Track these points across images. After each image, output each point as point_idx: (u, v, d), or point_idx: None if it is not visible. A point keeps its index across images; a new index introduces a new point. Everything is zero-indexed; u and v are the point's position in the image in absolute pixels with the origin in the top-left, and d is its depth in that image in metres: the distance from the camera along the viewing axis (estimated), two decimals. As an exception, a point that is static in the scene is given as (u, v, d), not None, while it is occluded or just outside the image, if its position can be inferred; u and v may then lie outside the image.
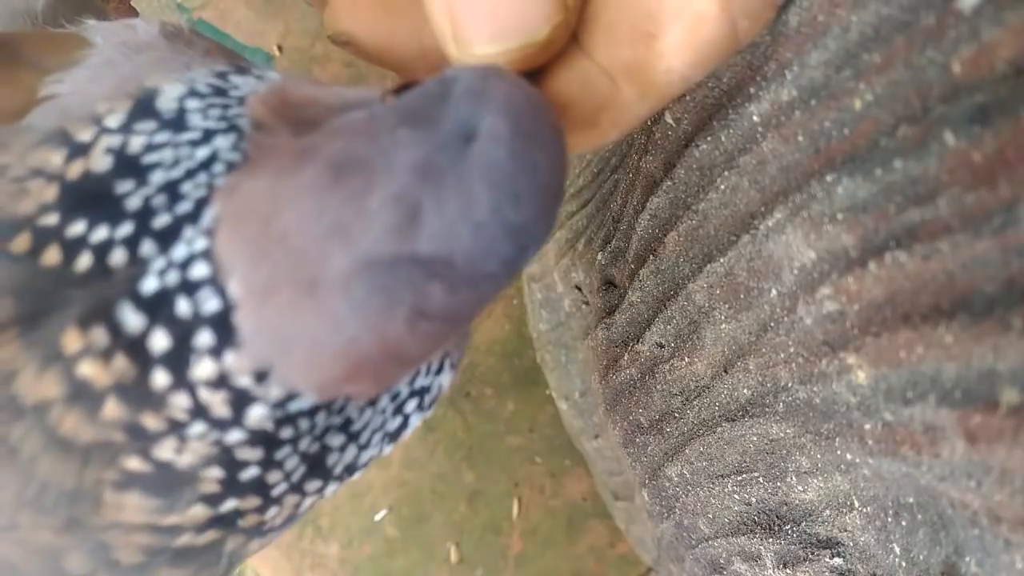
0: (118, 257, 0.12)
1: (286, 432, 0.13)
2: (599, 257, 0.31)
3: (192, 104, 0.13)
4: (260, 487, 0.13)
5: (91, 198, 0.12)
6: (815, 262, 0.19)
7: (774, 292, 0.20)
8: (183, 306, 0.12)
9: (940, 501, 0.17)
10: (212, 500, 0.13)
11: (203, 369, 0.12)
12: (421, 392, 0.16)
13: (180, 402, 0.12)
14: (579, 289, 0.35)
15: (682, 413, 0.26)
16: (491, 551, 0.44)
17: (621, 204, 0.28)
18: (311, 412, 0.13)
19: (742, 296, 0.22)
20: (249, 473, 0.13)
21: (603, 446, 0.37)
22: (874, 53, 0.17)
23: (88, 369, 0.12)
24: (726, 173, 0.21)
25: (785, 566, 0.23)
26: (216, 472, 0.13)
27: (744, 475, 0.24)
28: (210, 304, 0.12)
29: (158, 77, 0.14)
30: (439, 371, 0.16)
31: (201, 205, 0.12)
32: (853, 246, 0.18)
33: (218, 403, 0.12)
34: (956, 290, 0.15)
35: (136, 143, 0.13)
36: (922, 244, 0.16)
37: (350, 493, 0.43)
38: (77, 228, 0.12)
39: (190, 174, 0.12)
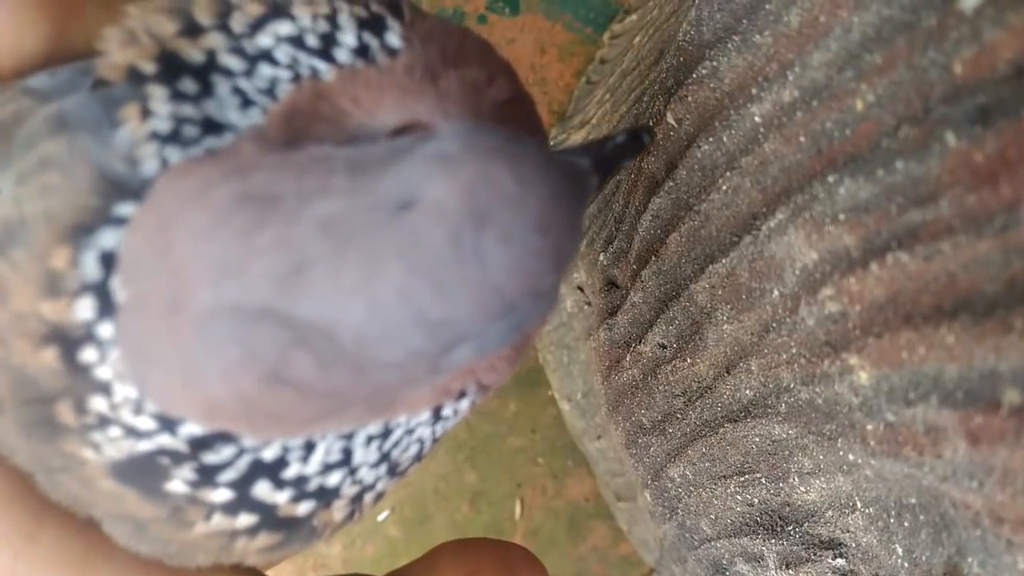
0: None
1: (209, 457, 0.12)
2: (601, 258, 0.31)
3: (282, 51, 0.12)
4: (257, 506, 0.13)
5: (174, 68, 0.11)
6: (817, 263, 0.19)
7: (776, 293, 0.20)
8: (82, 311, 0.11)
9: (942, 502, 0.17)
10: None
11: (103, 370, 0.11)
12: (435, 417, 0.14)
13: (98, 403, 0.11)
14: (581, 290, 0.35)
15: (684, 414, 0.26)
16: (493, 552, 0.44)
17: (623, 205, 0.28)
18: (217, 440, 0.12)
19: (744, 297, 0.22)
20: (221, 495, 0.12)
21: (605, 447, 0.37)
22: (876, 54, 0.17)
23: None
24: (728, 174, 0.21)
25: (788, 567, 0.23)
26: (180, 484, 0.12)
27: (746, 476, 0.24)
28: (84, 312, 0.11)
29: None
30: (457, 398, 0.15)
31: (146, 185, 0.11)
32: (855, 247, 0.18)
33: (118, 395, 0.11)
34: (958, 291, 0.15)
35: (231, 63, 0.12)
36: (924, 245, 0.16)
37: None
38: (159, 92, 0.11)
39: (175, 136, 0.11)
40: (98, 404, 0.11)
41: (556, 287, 0.11)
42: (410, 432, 0.14)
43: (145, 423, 0.11)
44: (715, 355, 0.24)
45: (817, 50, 0.18)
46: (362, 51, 0.12)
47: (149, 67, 0.12)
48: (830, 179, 0.18)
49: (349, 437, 0.13)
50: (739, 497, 0.25)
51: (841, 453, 0.20)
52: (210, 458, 0.12)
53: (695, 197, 0.23)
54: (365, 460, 0.14)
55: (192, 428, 0.12)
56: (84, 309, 0.11)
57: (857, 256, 0.18)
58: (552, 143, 0.40)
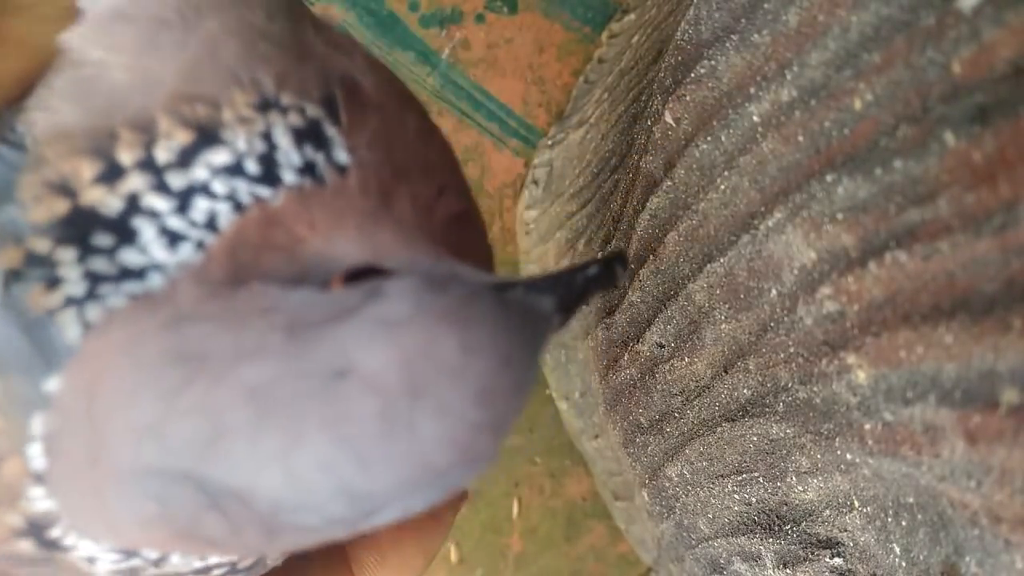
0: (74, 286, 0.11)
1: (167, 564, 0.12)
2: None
3: (220, 182, 0.11)
4: None
5: (84, 228, 0.11)
6: (815, 262, 0.19)
7: (774, 292, 0.20)
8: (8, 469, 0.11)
9: (940, 501, 0.17)
10: None
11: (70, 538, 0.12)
12: None
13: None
14: (579, 289, 0.35)
15: (682, 413, 0.26)
16: (491, 551, 0.44)
17: (621, 204, 0.28)
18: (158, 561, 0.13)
19: (742, 296, 0.22)
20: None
21: (603, 446, 0.37)
22: (874, 53, 0.17)
23: None
24: (726, 173, 0.21)
25: (785, 566, 0.23)
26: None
27: (744, 475, 0.24)
28: (36, 460, 0.11)
29: (241, 100, 0.12)
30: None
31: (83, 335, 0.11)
32: (853, 246, 0.18)
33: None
34: (956, 290, 0.15)
35: (156, 203, 0.11)
36: (922, 244, 0.16)
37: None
38: (65, 254, 0.11)
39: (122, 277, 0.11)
40: (79, 561, 0.12)
41: (495, 453, 0.11)
42: None
43: (111, 556, 0.12)
44: (713, 354, 0.24)
45: (815, 49, 0.18)
46: (308, 169, 0.12)
47: (44, 244, 0.11)
48: (828, 178, 0.18)
49: None
50: (737, 496, 0.25)
51: (839, 452, 0.20)
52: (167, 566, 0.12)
53: (693, 196, 0.23)
54: None
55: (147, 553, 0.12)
56: (40, 500, 0.12)
57: (855, 255, 0.18)
58: (550, 142, 0.40)
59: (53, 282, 0.11)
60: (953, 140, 0.15)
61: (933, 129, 0.16)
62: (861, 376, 0.18)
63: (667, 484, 0.28)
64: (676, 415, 0.26)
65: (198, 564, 0.12)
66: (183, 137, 0.11)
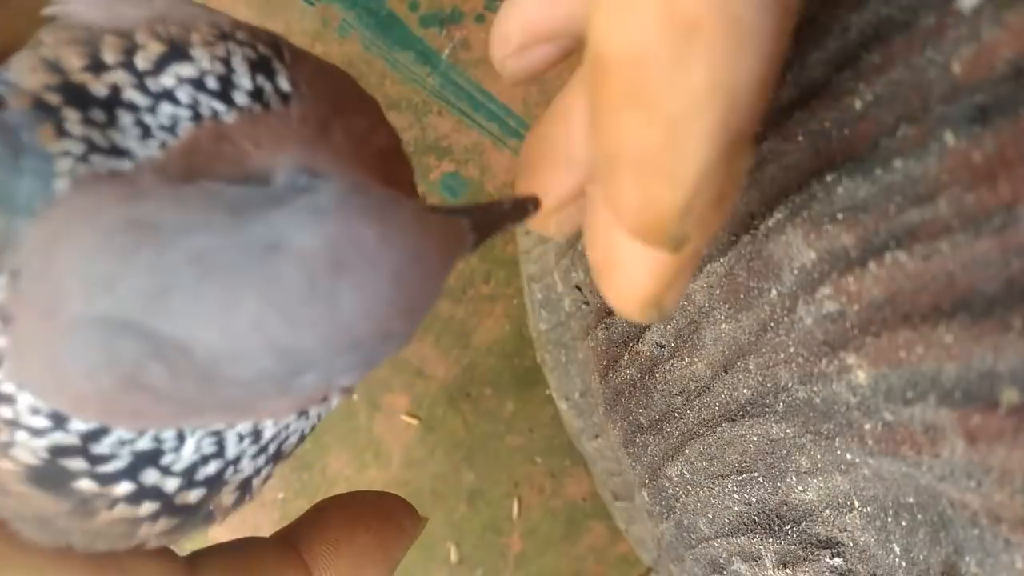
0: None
1: (97, 448, 0.13)
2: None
3: (184, 91, 0.13)
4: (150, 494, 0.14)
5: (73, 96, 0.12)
6: (815, 262, 0.19)
7: (774, 292, 0.20)
8: None
9: (940, 501, 0.17)
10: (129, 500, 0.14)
11: (7, 385, 0.12)
12: (277, 438, 0.16)
13: None
14: (579, 289, 0.35)
15: (682, 413, 0.26)
16: (491, 551, 0.44)
17: (621, 204, 0.28)
18: (102, 432, 0.13)
19: (742, 296, 0.22)
20: (123, 488, 0.13)
21: (603, 446, 0.37)
22: (874, 53, 0.17)
23: None
24: (726, 173, 0.21)
25: (785, 566, 0.23)
26: (87, 482, 0.13)
27: (744, 475, 0.24)
28: None
29: (195, 23, 0.14)
30: (302, 415, 0.16)
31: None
32: (853, 246, 0.18)
33: (22, 404, 0.12)
34: (956, 290, 0.15)
35: (135, 98, 0.13)
36: (922, 244, 0.16)
37: (350, 493, 0.43)
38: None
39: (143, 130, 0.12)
40: (5, 413, 0.13)
41: (407, 333, 0.12)
42: (285, 428, 0.15)
43: (41, 422, 0.13)
44: (713, 354, 0.24)
45: (815, 49, 0.18)
46: (257, 94, 0.14)
47: (55, 97, 0.12)
48: (828, 178, 0.18)
49: (218, 433, 0.14)
50: (737, 496, 0.25)
51: (839, 452, 0.20)
52: (97, 449, 0.13)
53: (693, 196, 0.23)
54: (241, 452, 0.15)
55: (78, 423, 0.13)
56: None
57: (855, 255, 0.18)
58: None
59: (61, 131, 0.12)
60: (953, 140, 0.15)
61: (933, 129, 0.16)
62: (861, 376, 0.18)
63: (667, 484, 0.28)
64: (676, 415, 0.26)
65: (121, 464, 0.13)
66: (157, 48, 0.13)
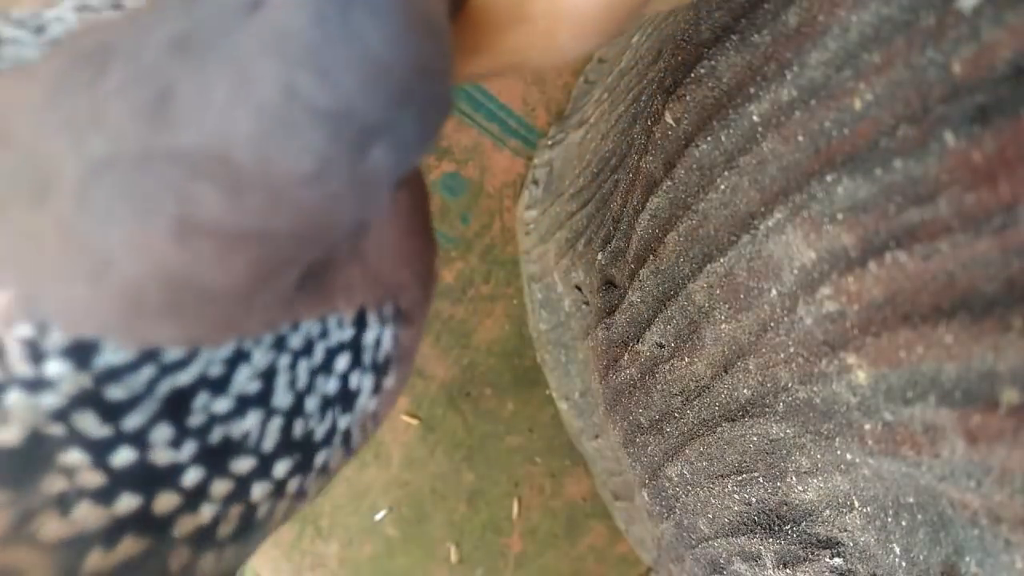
0: None
1: (114, 392, 0.10)
2: (599, 257, 0.31)
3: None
4: (149, 475, 0.11)
5: None
6: (815, 262, 0.19)
7: (774, 292, 0.20)
8: None
9: (940, 501, 0.17)
10: (100, 495, 0.10)
11: None
12: (354, 347, 0.13)
13: None
14: (579, 289, 0.35)
15: (682, 413, 0.26)
16: (491, 551, 0.44)
17: (621, 204, 0.28)
18: (135, 367, 0.10)
19: (742, 296, 0.22)
20: (122, 457, 0.10)
21: (603, 446, 0.37)
22: (874, 53, 0.17)
23: None
24: (726, 173, 0.21)
25: (785, 566, 0.23)
26: (75, 455, 0.10)
27: (744, 475, 0.24)
28: None
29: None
30: (381, 321, 0.13)
31: None
32: (853, 246, 0.18)
33: (17, 359, 0.10)
34: (956, 290, 0.15)
35: None
36: (922, 244, 0.16)
37: (350, 493, 0.43)
38: None
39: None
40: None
41: (446, 69, 0.10)
42: (330, 357, 0.13)
43: (54, 368, 0.10)
44: (713, 354, 0.24)
45: (815, 49, 0.18)
46: None
47: None
48: (828, 178, 0.18)
49: (270, 372, 0.12)
50: (737, 496, 0.25)
51: (839, 452, 0.20)
52: (116, 393, 0.10)
53: (693, 196, 0.23)
54: (282, 404, 0.12)
55: (110, 356, 0.10)
56: None
57: (855, 255, 0.18)
58: (551, 142, 0.40)
59: None
60: (953, 140, 0.15)
61: (933, 129, 0.16)
62: (861, 376, 0.18)
63: (667, 484, 0.28)
64: (676, 415, 0.26)
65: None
66: None
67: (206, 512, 0.11)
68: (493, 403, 0.44)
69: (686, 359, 0.25)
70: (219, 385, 0.11)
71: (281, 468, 0.12)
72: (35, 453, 0.10)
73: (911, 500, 0.18)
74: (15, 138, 0.09)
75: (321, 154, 0.09)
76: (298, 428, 0.12)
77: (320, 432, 0.13)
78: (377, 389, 0.14)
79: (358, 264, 0.13)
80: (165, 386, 0.11)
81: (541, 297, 0.40)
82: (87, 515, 0.10)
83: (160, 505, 0.11)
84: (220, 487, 0.11)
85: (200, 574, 0.12)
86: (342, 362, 0.13)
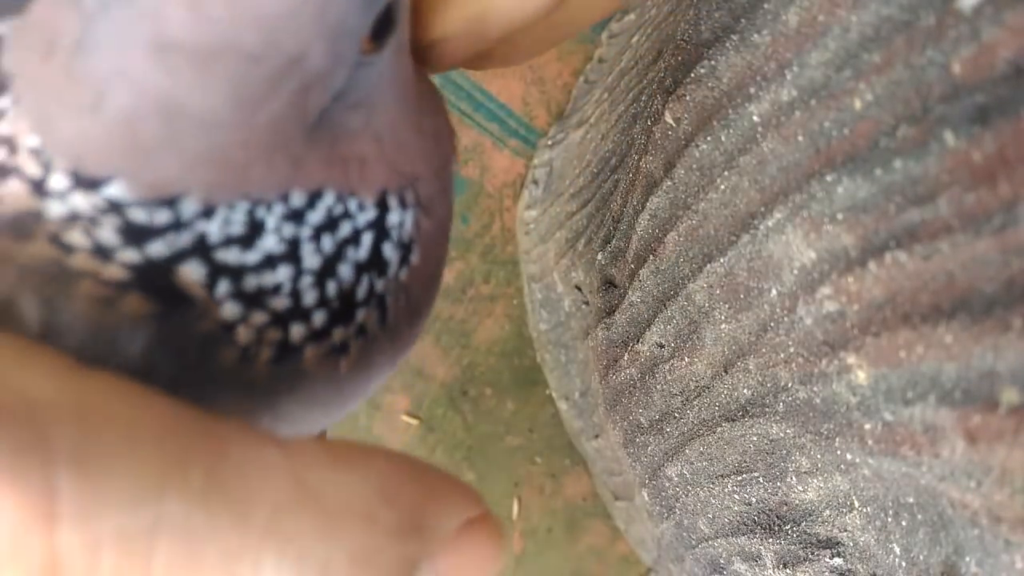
0: None
1: (137, 214, 0.11)
2: (599, 257, 0.31)
3: None
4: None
5: None
6: (815, 262, 0.19)
7: (774, 292, 0.20)
8: None
9: (940, 501, 0.17)
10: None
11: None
12: (379, 226, 0.13)
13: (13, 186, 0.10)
14: (579, 289, 0.35)
15: (682, 413, 0.26)
16: (491, 551, 0.44)
17: (621, 204, 0.28)
18: (149, 205, 0.11)
19: (742, 296, 0.22)
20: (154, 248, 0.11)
21: (603, 446, 0.37)
22: (874, 53, 0.17)
23: None
24: (726, 173, 0.21)
25: (785, 566, 0.23)
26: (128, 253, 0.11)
27: (744, 475, 0.24)
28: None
29: None
30: (403, 206, 0.14)
31: None
32: (853, 246, 0.18)
33: (28, 165, 0.10)
34: (956, 290, 0.15)
35: None
36: (922, 244, 0.16)
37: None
38: None
39: None
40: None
41: None
42: (356, 232, 0.13)
43: (58, 181, 0.10)
44: (713, 354, 0.24)
45: (815, 49, 0.18)
46: None
47: None
48: (828, 178, 0.18)
49: (294, 239, 0.12)
50: (737, 496, 0.25)
51: (839, 452, 0.20)
52: (137, 215, 0.11)
53: (693, 196, 0.23)
54: (311, 264, 0.12)
55: (116, 191, 0.10)
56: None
57: (855, 255, 0.18)
58: (551, 142, 0.40)
59: None
60: (953, 140, 0.15)
61: (933, 129, 0.16)
62: (861, 376, 0.18)
63: (667, 484, 0.28)
64: (676, 415, 0.26)
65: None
66: None
67: (242, 334, 0.12)
68: (493, 403, 0.44)
69: (686, 359, 0.25)
70: (244, 241, 0.12)
71: (319, 318, 0.13)
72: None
73: (911, 500, 0.18)
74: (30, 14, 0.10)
75: (253, 53, 0.10)
76: (331, 288, 0.13)
77: (360, 293, 0.13)
78: (405, 262, 0.14)
79: (372, 143, 0.13)
80: (187, 233, 0.11)
81: (541, 297, 0.40)
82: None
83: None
84: (257, 317, 0.12)
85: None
86: (368, 236, 0.13)
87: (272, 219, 0.12)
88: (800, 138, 0.19)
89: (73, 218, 0.10)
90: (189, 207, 0.11)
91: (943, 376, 0.16)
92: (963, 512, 0.17)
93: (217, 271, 0.11)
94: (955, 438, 0.16)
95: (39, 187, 0.10)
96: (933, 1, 0.15)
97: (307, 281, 0.12)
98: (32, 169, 0.10)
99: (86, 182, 0.10)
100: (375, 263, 0.13)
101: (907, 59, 0.16)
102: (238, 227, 0.11)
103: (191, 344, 0.11)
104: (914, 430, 0.17)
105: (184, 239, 0.11)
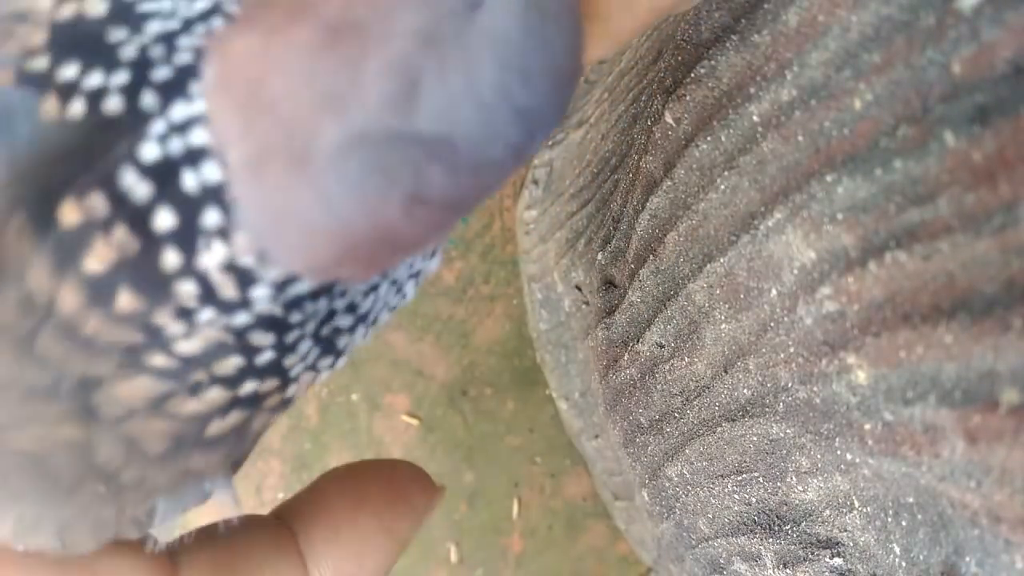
0: (114, 104, 0.11)
1: (295, 316, 0.12)
2: (599, 257, 0.31)
3: None
4: (277, 370, 0.13)
5: (83, 43, 0.11)
6: (815, 262, 0.19)
7: (774, 292, 0.20)
8: (189, 180, 0.11)
9: (940, 501, 0.17)
10: (230, 383, 0.12)
11: (214, 251, 0.11)
12: (417, 275, 0.15)
13: (189, 288, 0.11)
14: (579, 289, 0.35)
15: (682, 413, 0.26)
16: (491, 551, 0.44)
17: (621, 204, 0.28)
18: (314, 296, 0.12)
19: (742, 296, 0.22)
20: (265, 357, 0.12)
21: (603, 446, 0.37)
22: (874, 53, 0.17)
23: (93, 261, 0.11)
24: (726, 173, 0.21)
25: (785, 566, 0.23)
26: (233, 359, 0.12)
27: (744, 475, 0.24)
28: (212, 177, 0.11)
29: None
30: (432, 255, 0.16)
31: (199, 60, 0.11)
32: (853, 246, 0.18)
33: (226, 285, 0.11)
34: (956, 290, 0.15)
35: None
36: (922, 244, 0.16)
37: (350, 493, 0.43)
38: (69, 71, 0.11)
39: (188, 26, 0.11)
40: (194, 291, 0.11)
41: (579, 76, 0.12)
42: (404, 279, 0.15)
43: (259, 292, 0.12)
44: (713, 354, 0.24)
45: (815, 49, 0.18)
46: None
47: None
48: (828, 178, 0.18)
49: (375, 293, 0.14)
50: (737, 496, 0.25)
51: (839, 452, 0.20)
52: (295, 317, 0.12)
53: (693, 196, 0.23)
54: (379, 319, 0.15)
55: (299, 287, 0.12)
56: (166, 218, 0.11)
57: (855, 255, 0.18)
58: (550, 143, 0.40)
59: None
60: (953, 140, 0.15)
61: (933, 129, 0.16)
62: (861, 376, 0.18)
63: (667, 484, 0.28)
64: (676, 415, 0.26)
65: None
66: None
67: (291, 391, 0.14)
68: (493, 403, 0.44)
69: (686, 359, 0.25)
70: (351, 308, 0.14)
71: (343, 361, 0.15)
72: (207, 359, 0.12)
73: (911, 500, 0.18)
74: (279, 107, 0.10)
75: (512, 144, 0.11)
76: (369, 334, 0.15)
77: (369, 334, 0.15)
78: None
79: None
80: (324, 314, 0.13)
81: (541, 297, 0.40)
82: (215, 397, 0.12)
83: (264, 386, 0.13)
84: (309, 376, 0.14)
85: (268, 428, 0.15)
86: (410, 287, 0.15)
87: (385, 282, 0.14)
88: (800, 138, 0.19)
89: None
90: (340, 286, 0.13)
91: (943, 376, 0.16)
92: (963, 512, 0.17)
93: (319, 341, 0.14)
94: (955, 438, 0.16)
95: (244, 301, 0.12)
96: (933, 1, 0.15)
97: (361, 332, 0.15)
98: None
99: (283, 282, 0.12)
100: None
101: (907, 59, 0.16)
102: (359, 297, 0.14)
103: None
104: (914, 430, 0.17)
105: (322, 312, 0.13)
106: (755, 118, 0.20)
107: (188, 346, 0.12)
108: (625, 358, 0.29)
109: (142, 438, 0.12)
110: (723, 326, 0.23)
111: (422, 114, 0.10)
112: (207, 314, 0.12)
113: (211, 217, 0.11)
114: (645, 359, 0.27)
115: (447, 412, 0.44)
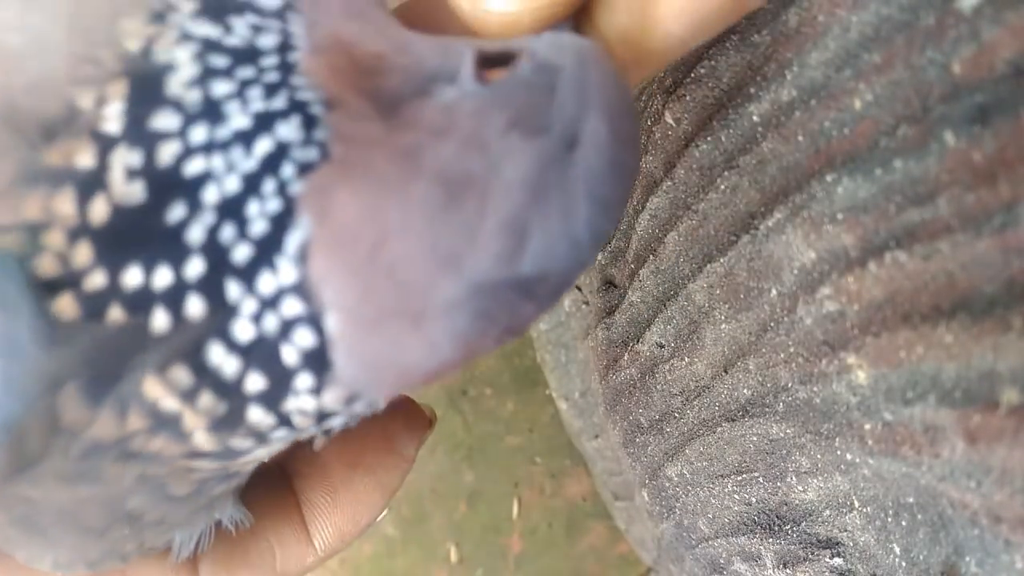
0: (196, 308, 0.10)
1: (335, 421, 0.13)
2: (599, 257, 0.31)
3: (220, 87, 0.10)
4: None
5: (135, 236, 0.10)
6: (815, 262, 0.19)
7: (774, 292, 0.20)
8: (287, 353, 0.11)
9: (940, 501, 0.17)
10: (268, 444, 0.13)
11: (302, 405, 0.11)
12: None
13: (269, 423, 0.12)
14: (579, 289, 0.35)
15: (682, 413, 0.26)
16: (491, 551, 0.44)
17: (621, 204, 0.28)
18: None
19: (742, 296, 0.22)
20: (308, 433, 0.13)
21: (603, 446, 0.37)
22: (874, 53, 0.17)
23: (171, 404, 0.11)
24: (726, 173, 0.21)
25: (785, 566, 0.23)
26: (282, 439, 0.12)
27: (744, 475, 0.24)
28: (307, 342, 0.11)
29: (136, 25, 0.11)
30: None
31: (282, 224, 0.10)
32: (853, 246, 0.18)
33: (306, 422, 0.12)
34: (956, 290, 0.15)
35: (166, 152, 0.10)
36: (922, 244, 0.16)
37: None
38: (133, 278, 0.10)
39: (252, 184, 0.10)
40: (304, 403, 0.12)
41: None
42: None
43: (336, 421, 0.12)
44: (713, 354, 0.24)
45: (815, 49, 0.18)
46: None
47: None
48: (828, 178, 0.18)
49: None
50: (737, 496, 0.25)
51: (839, 452, 0.20)
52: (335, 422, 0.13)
53: (693, 196, 0.23)
54: None
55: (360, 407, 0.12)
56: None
57: (855, 255, 0.18)
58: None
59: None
60: (953, 140, 0.15)
61: (933, 129, 0.16)
62: (861, 376, 0.18)
63: (667, 484, 0.28)
64: (676, 415, 0.26)
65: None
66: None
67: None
68: (493, 403, 0.44)
69: (686, 359, 0.25)
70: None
71: None
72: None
73: (911, 500, 0.18)
74: (398, 270, 0.10)
75: (585, 266, 0.11)
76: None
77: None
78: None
79: None
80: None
81: (541, 297, 0.40)
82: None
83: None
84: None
85: None
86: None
87: None
88: (800, 138, 0.19)
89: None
90: None
91: (943, 376, 0.16)
92: (963, 512, 0.17)
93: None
94: (955, 438, 0.16)
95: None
96: (933, 1, 0.15)
97: None
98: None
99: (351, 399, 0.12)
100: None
101: (907, 59, 0.16)
102: None
103: None
104: (914, 430, 0.17)
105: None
106: (755, 118, 0.20)
107: (257, 453, 0.12)
108: (625, 358, 0.29)
109: (169, 483, 0.13)
110: (723, 326, 0.23)
111: (526, 260, 0.11)
112: (280, 433, 0.12)
113: (304, 380, 0.11)
114: (645, 359, 0.27)
115: (447, 412, 0.44)
